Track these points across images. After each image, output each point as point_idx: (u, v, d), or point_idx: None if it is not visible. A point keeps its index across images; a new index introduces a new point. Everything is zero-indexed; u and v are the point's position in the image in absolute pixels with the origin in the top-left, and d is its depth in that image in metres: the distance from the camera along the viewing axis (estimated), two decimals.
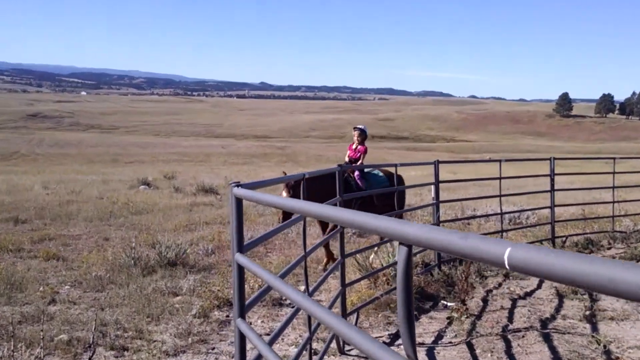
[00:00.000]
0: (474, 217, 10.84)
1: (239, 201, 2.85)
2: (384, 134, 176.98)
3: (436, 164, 9.14)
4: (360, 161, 9.56)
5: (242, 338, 2.71)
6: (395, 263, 8.33)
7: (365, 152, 9.70)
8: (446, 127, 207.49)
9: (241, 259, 2.72)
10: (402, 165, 8.27)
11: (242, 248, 2.81)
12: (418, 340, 6.09)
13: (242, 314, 2.75)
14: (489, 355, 5.59)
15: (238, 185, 2.89)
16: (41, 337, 5.24)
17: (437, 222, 9.15)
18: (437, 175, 9.15)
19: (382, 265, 8.00)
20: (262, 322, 6.58)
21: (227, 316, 6.80)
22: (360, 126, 9.94)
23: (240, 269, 2.78)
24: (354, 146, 9.82)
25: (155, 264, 8.95)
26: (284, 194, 8.42)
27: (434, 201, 9.09)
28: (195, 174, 35.23)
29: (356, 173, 9.54)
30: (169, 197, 19.62)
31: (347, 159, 9.75)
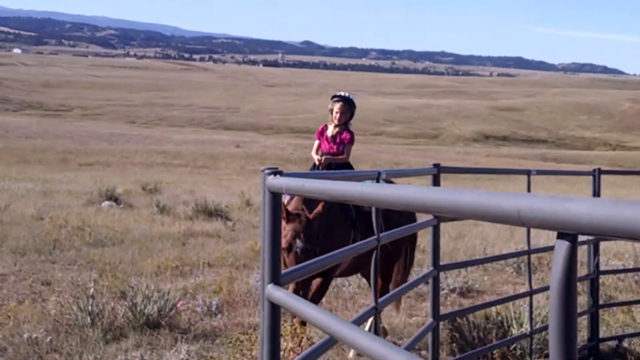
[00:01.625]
0: None
1: (275, 198, 2.90)
2: (506, 133, 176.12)
3: (596, 174, 9.09)
4: (343, 156, 9.57)
5: None
6: (538, 330, 8.32)
7: (351, 141, 9.68)
8: (611, 126, 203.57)
9: (276, 293, 2.76)
10: (544, 173, 8.24)
11: (277, 277, 2.85)
12: None
13: None
14: None
15: (275, 172, 2.94)
16: None
17: (595, 272, 9.06)
18: (597, 192, 9.11)
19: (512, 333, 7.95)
20: None
21: None
22: (343, 94, 9.85)
23: (274, 311, 2.82)
24: (329, 131, 9.73)
25: (126, 324, 9.08)
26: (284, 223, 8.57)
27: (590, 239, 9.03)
28: (193, 187, 35.70)
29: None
30: (149, 221, 19.91)
31: (315, 156, 9.65)
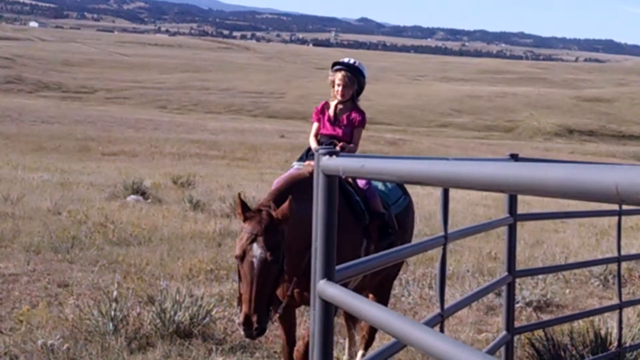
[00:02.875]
0: None
1: (330, 181, 2.90)
2: (593, 127, 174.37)
3: None
4: (352, 144, 8.68)
5: None
6: (628, 349, 8.25)
7: (361, 123, 8.81)
8: None
9: (330, 289, 2.76)
10: None
11: (331, 271, 2.85)
12: None
13: None
14: None
15: (332, 152, 2.94)
16: None
17: None
18: None
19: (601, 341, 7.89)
20: None
21: None
22: (347, 60, 8.89)
23: (327, 310, 2.82)
24: (331, 110, 8.81)
25: (154, 332, 9.15)
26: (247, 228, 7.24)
27: None
28: (231, 181, 35.80)
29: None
30: (180, 218, 20.03)
31: (313, 142, 8.75)
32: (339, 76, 8.66)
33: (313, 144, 8.70)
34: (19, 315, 9.98)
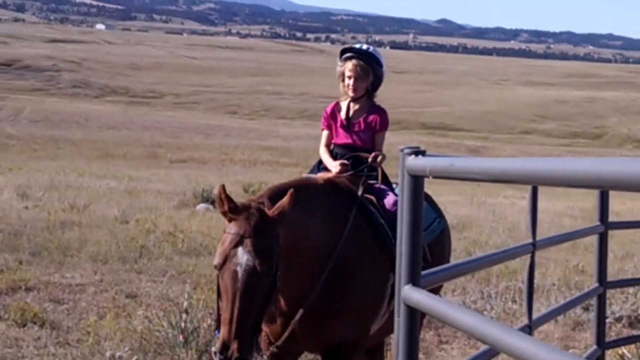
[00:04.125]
0: None
1: (416, 182, 2.90)
2: None
3: None
4: (376, 156, 7.31)
5: None
6: None
7: (383, 125, 7.50)
8: None
9: (415, 295, 2.76)
10: None
11: (416, 276, 2.85)
12: None
13: None
14: None
15: (417, 152, 2.94)
16: None
17: None
18: None
19: None
20: None
21: None
22: (360, 46, 7.68)
23: (412, 316, 2.82)
24: (343, 112, 7.51)
25: None
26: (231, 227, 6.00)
27: None
28: None
29: (389, 196, 7.31)
30: None
31: (324, 155, 7.45)
32: (349, 66, 7.29)
33: (325, 157, 7.38)
34: (87, 326, 10.13)
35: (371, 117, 7.32)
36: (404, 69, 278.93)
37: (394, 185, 7.42)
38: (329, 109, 7.58)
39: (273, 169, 59.57)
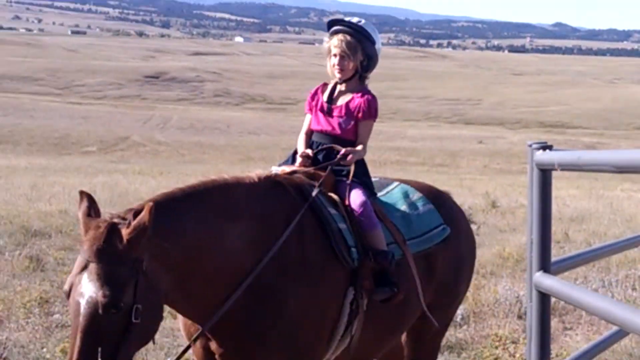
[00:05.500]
0: None
1: (544, 175, 2.98)
2: None
3: None
4: (359, 146, 6.31)
5: None
6: None
7: (370, 113, 6.29)
8: None
9: (547, 281, 2.82)
10: None
11: (547, 263, 2.91)
12: None
13: None
14: None
15: (545, 147, 3.00)
16: None
17: None
18: None
19: None
20: None
21: None
22: (347, 19, 6.32)
23: (543, 302, 2.88)
24: (326, 94, 6.41)
25: None
26: None
27: None
28: None
29: (357, 195, 6.00)
30: None
31: (300, 143, 6.35)
32: (334, 42, 6.11)
33: (299, 145, 6.30)
34: None
35: (355, 103, 6.15)
36: (522, 71, 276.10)
37: (375, 179, 6.69)
38: (313, 90, 6.50)
39: (402, 168, 59.62)
